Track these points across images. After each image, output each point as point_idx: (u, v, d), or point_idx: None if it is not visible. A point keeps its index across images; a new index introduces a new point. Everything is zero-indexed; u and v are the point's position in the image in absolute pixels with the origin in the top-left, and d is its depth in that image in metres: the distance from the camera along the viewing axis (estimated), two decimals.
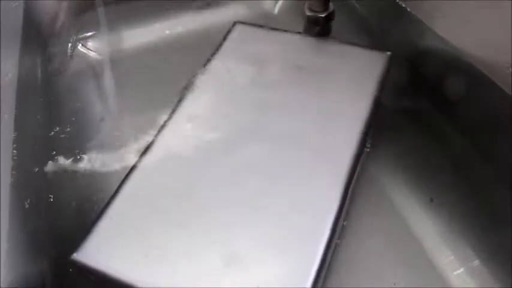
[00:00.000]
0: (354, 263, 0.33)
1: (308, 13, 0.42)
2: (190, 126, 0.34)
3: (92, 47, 0.52)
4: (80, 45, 0.52)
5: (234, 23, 0.43)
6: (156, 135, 0.34)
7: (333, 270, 0.32)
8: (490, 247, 0.32)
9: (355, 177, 0.33)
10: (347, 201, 0.32)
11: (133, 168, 0.32)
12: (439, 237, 0.34)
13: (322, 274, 0.28)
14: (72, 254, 0.28)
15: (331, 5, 0.41)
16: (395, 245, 0.34)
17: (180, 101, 0.36)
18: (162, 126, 0.35)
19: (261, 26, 0.42)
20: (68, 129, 0.43)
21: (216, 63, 0.39)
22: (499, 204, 0.34)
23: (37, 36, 0.48)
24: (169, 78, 0.46)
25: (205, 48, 0.42)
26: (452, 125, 0.39)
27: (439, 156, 0.38)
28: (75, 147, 0.41)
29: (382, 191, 0.37)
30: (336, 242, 0.33)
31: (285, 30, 0.42)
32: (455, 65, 0.35)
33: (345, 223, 0.35)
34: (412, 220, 0.35)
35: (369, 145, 0.38)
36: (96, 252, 0.28)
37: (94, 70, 0.49)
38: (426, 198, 0.36)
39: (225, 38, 0.41)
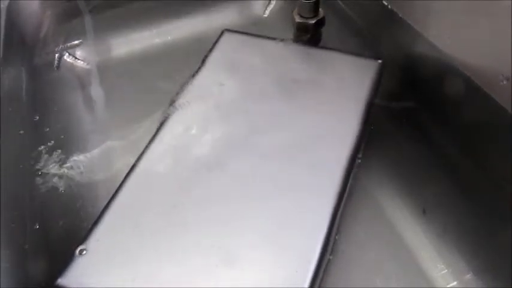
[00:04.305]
0: (346, 276, 0.33)
1: (297, 19, 0.41)
2: (178, 141, 0.34)
3: (79, 56, 0.51)
4: (67, 54, 0.51)
5: (223, 32, 0.42)
6: (144, 151, 0.34)
7: (325, 281, 0.32)
8: (484, 260, 0.32)
9: (347, 190, 0.32)
10: (339, 214, 0.32)
11: (120, 186, 0.32)
12: (432, 250, 0.33)
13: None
14: (57, 278, 0.28)
15: (321, 11, 0.41)
16: (388, 257, 0.34)
17: (167, 114, 0.36)
18: (150, 142, 0.34)
19: (249, 34, 0.42)
20: (56, 142, 0.42)
21: (204, 75, 0.38)
22: (493, 216, 0.33)
23: (21, 47, 0.47)
24: (159, 88, 0.45)
25: (196, 56, 0.41)
26: (445, 135, 0.38)
27: (432, 167, 0.37)
28: (64, 162, 0.40)
29: (374, 202, 0.36)
30: (329, 258, 0.33)
31: (275, 38, 0.41)
32: (447, 73, 0.35)
33: (336, 237, 0.34)
34: (405, 232, 0.35)
35: (360, 156, 0.37)
36: (83, 277, 0.28)
37: (82, 80, 0.48)
38: (419, 210, 0.35)
39: (213, 47, 0.41)
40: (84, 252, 0.28)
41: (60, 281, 0.28)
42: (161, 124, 0.35)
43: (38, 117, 0.43)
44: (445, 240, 0.34)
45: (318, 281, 0.29)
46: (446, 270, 0.32)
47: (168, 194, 0.31)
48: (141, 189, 0.32)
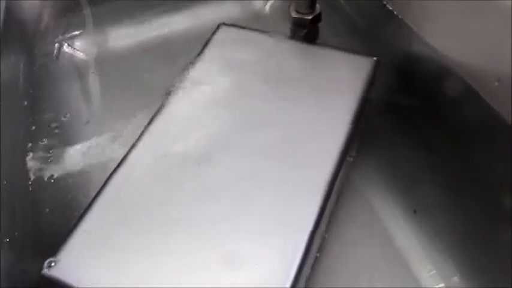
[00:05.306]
0: (334, 274, 0.33)
1: (294, 15, 0.40)
2: (168, 136, 0.34)
3: (78, 47, 0.51)
4: (66, 45, 0.51)
5: (219, 25, 0.42)
6: (134, 145, 0.34)
7: (313, 280, 0.32)
8: (472, 263, 0.32)
9: (335, 188, 0.32)
10: (327, 213, 0.31)
11: (109, 178, 0.32)
12: (421, 251, 0.33)
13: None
14: (43, 269, 0.28)
15: (318, 7, 0.40)
16: (377, 257, 0.34)
17: (159, 108, 0.36)
18: (140, 135, 0.34)
19: (246, 28, 0.41)
20: (52, 132, 0.42)
21: (198, 69, 0.38)
22: (483, 219, 0.33)
23: (20, 37, 0.48)
24: (156, 80, 0.45)
25: (193, 50, 0.41)
26: (438, 135, 0.38)
27: (425, 168, 0.37)
28: (58, 152, 0.41)
29: (365, 201, 0.36)
30: (316, 255, 0.33)
31: (271, 33, 0.41)
32: (442, 73, 0.34)
33: (326, 235, 0.34)
34: (396, 232, 0.35)
35: (353, 154, 0.37)
36: (68, 267, 0.28)
37: (80, 71, 0.49)
38: (410, 210, 0.35)
39: (208, 41, 0.40)
40: (53, 264, 0.28)
41: (47, 270, 0.28)
42: (152, 117, 0.35)
43: (33, 107, 0.43)
44: (434, 242, 0.33)
45: (303, 278, 0.29)
46: (434, 271, 0.32)
47: (156, 190, 0.31)
48: (130, 183, 0.31)
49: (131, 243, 0.29)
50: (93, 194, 0.32)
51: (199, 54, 0.39)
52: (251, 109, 0.35)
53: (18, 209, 0.35)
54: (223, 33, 0.41)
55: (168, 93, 0.37)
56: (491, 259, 0.31)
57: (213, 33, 0.41)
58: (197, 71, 0.38)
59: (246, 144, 0.33)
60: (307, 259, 0.28)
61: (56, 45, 0.51)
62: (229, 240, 0.28)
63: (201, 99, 0.36)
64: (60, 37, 0.51)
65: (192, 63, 0.38)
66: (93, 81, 0.47)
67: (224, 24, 0.42)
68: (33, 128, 0.42)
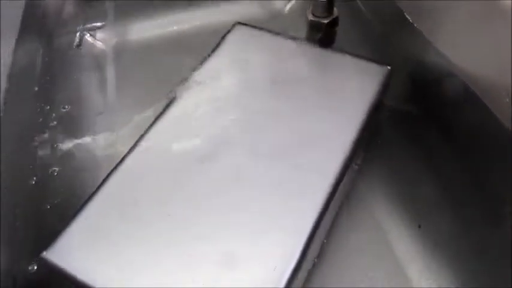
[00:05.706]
0: (333, 281, 0.33)
1: (311, 18, 0.40)
2: (174, 132, 0.34)
3: (99, 38, 0.52)
4: (88, 35, 0.52)
5: (234, 24, 0.42)
6: (139, 139, 0.34)
7: (310, 285, 0.31)
8: (472, 275, 0.31)
9: (337, 194, 0.32)
10: (327, 218, 0.31)
11: (112, 172, 0.32)
12: (422, 263, 0.33)
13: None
14: (43, 251, 0.29)
15: (336, 11, 0.40)
16: (377, 267, 0.33)
17: (168, 104, 0.36)
18: (147, 129, 0.34)
19: (261, 29, 0.41)
20: (62, 121, 0.43)
21: (209, 67, 0.38)
22: (486, 237, 0.32)
23: (40, 25, 0.49)
24: (169, 75, 0.45)
25: (210, 47, 0.41)
26: (446, 148, 0.37)
27: (430, 180, 0.36)
28: (69, 141, 0.41)
29: (370, 211, 0.36)
30: (314, 261, 0.33)
31: (286, 35, 0.40)
32: (454, 85, 0.34)
33: (325, 241, 0.34)
34: (397, 242, 0.34)
35: (359, 162, 0.36)
36: (67, 253, 0.28)
37: (97, 62, 0.49)
38: (414, 223, 0.34)
39: (222, 40, 0.40)
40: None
41: (45, 253, 0.28)
42: (161, 112, 0.35)
43: (47, 96, 0.44)
44: (436, 255, 0.33)
45: (299, 282, 0.29)
46: (434, 282, 0.32)
47: (158, 184, 0.31)
48: (133, 176, 0.32)
49: (129, 237, 0.29)
50: (97, 184, 0.32)
51: (212, 52, 0.39)
52: (258, 110, 0.35)
53: (22, 201, 0.36)
54: (238, 33, 0.41)
55: (177, 90, 0.37)
56: (491, 271, 0.30)
57: (228, 32, 0.41)
58: (209, 69, 0.38)
59: (251, 144, 0.33)
60: (303, 262, 0.28)
61: (78, 34, 0.52)
62: (228, 240, 0.28)
63: (209, 97, 0.36)
64: (81, 27, 0.52)
65: (204, 60, 0.39)
66: (109, 73, 0.48)
67: (240, 23, 0.42)
68: (44, 117, 0.43)
